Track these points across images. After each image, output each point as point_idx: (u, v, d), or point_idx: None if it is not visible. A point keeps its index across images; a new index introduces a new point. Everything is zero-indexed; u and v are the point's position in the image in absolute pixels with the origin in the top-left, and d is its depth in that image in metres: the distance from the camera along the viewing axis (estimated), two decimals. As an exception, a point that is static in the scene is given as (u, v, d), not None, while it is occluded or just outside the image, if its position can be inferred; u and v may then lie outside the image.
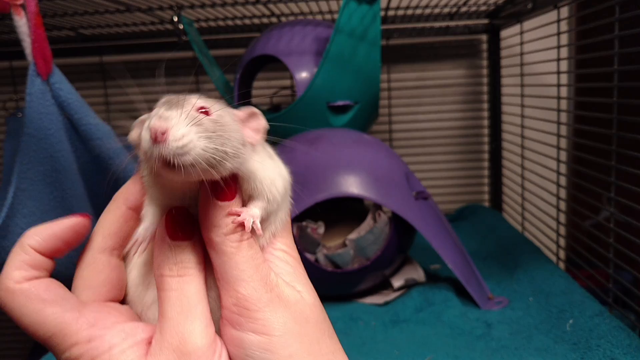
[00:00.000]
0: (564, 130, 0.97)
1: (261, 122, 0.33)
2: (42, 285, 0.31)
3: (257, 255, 0.32)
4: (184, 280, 0.31)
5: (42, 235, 0.31)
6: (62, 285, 0.32)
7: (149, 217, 0.33)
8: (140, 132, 0.30)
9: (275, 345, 0.30)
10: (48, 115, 0.63)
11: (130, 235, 0.34)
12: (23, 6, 0.60)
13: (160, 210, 0.33)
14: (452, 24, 1.24)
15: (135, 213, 0.33)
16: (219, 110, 0.31)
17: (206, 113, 0.30)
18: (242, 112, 0.33)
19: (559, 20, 0.91)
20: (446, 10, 1.16)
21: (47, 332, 0.30)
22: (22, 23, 0.60)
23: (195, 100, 0.30)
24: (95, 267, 0.33)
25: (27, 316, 0.30)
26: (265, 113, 1.13)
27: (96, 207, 0.74)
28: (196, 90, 1.30)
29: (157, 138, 0.27)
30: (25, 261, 0.31)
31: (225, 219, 0.31)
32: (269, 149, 0.36)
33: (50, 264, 0.32)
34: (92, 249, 0.33)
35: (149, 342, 0.31)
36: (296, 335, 0.31)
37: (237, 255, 0.31)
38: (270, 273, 0.32)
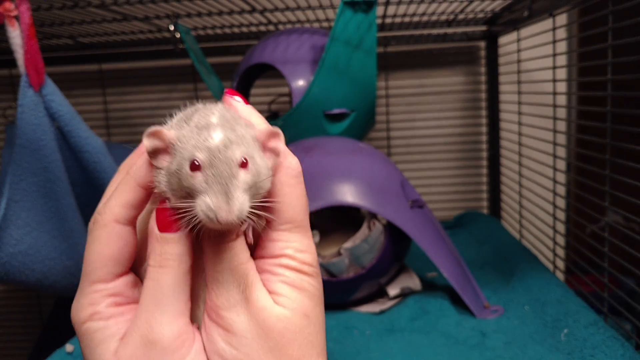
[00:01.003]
0: (560, 138, 0.97)
1: (279, 145, 0.34)
2: (123, 241, 0.33)
3: (236, 258, 0.33)
4: (163, 271, 0.32)
5: (143, 170, 0.33)
6: (134, 243, 0.34)
7: None
8: (155, 142, 0.32)
9: (236, 343, 0.32)
10: (40, 127, 0.63)
11: (140, 207, 0.34)
12: (17, 17, 0.60)
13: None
14: (450, 30, 1.25)
15: (144, 189, 0.33)
16: (253, 156, 0.32)
17: (245, 164, 0.31)
18: (264, 133, 0.33)
19: (554, 29, 0.91)
20: (444, 17, 1.17)
21: (88, 267, 0.33)
22: (15, 34, 0.60)
23: (239, 155, 0.31)
24: (121, 238, 0.33)
25: (96, 248, 0.33)
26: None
27: (86, 218, 0.74)
28: (194, 97, 1.31)
29: (225, 223, 0.30)
30: (129, 200, 0.33)
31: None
32: None
33: (146, 200, 0.34)
34: (112, 220, 0.33)
35: None
36: (257, 338, 0.32)
37: (215, 257, 0.33)
38: (248, 275, 0.33)
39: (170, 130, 0.32)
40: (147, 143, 0.32)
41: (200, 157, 0.30)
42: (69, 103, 0.68)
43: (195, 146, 0.30)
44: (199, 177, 0.30)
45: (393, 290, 0.86)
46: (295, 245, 0.35)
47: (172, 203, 0.32)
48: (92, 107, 1.37)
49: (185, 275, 0.33)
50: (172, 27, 1.00)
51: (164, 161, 0.32)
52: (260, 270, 0.35)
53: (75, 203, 0.73)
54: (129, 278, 0.34)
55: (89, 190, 0.73)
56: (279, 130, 0.33)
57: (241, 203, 0.30)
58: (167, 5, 0.96)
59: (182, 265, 0.33)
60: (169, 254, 0.32)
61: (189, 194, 0.30)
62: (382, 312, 0.84)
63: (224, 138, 0.31)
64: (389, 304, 0.86)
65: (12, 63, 0.64)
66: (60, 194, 0.69)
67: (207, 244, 0.33)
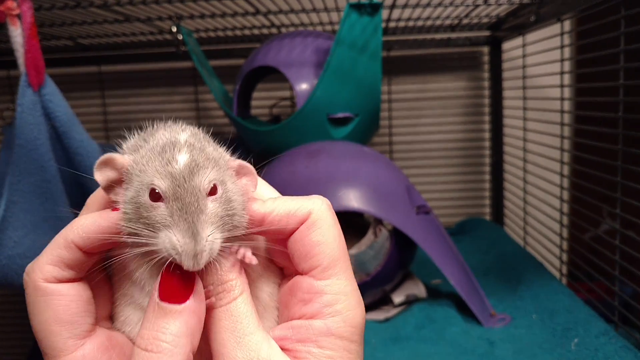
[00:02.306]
0: (567, 144, 0.96)
1: (253, 181, 0.30)
2: (64, 298, 0.28)
3: (243, 324, 0.27)
4: (151, 357, 0.25)
5: (88, 231, 0.28)
6: (85, 296, 0.29)
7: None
8: (108, 174, 0.28)
9: None
10: (37, 126, 0.62)
11: (78, 269, 0.29)
12: (19, 16, 0.59)
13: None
14: (453, 35, 1.24)
15: (80, 250, 0.29)
16: (224, 180, 0.28)
17: (214, 191, 0.27)
18: (236, 165, 0.30)
19: (562, 34, 0.90)
20: (447, 22, 1.16)
21: (42, 344, 0.28)
22: (16, 33, 0.59)
23: (207, 183, 0.27)
24: (61, 296, 0.28)
25: (37, 317, 0.28)
26: (265, 124, 1.12)
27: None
28: (194, 100, 1.29)
29: (193, 269, 0.26)
30: (63, 258, 0.28)
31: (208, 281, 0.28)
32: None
33: (89, 263, 0.29)
34: (42, 280, 0.28)
35: None
36: None
37: (216, 325, 0.28)
38: (262, 346, 0.27)
39: (124, 155, 0.28)
40: (98, 177, 0.27)
41: (162, 186, 0.26)
42: (68, 105, 0.67)
43: (156, 171, 0.26)
44: (161, 208, 0.26)
45: (398, 298, 0.85)
46: (344, 301, 0.28)
47: (130, 235, 0.27)
48: (91, 109, 1.36)
49: (185, 358, 0.26)
50: (174, 29, 0.99)
51: (122, 194, 0.27)
52: (300, 339, 0.28)
53: (67, 203, 0.72)
54: (98, 339, 0.29)
55: (79, 193, 0.72)
56: (250, 167, 0.30)
57: (211, 242, 0.26)
58: (170, 6, 0.94)
59: (180, 350, 0.26)
60: (166, 331, 0.25)
61: (150, 225, 0.26)
62: (387, 319, 0.82)
63: (190, 161, 0.26)
64: (393, 311, 0.84)
65: (10, 64, 0.63)
66: (56, 194, 0.68)
67: (209, 314, 0.28)
